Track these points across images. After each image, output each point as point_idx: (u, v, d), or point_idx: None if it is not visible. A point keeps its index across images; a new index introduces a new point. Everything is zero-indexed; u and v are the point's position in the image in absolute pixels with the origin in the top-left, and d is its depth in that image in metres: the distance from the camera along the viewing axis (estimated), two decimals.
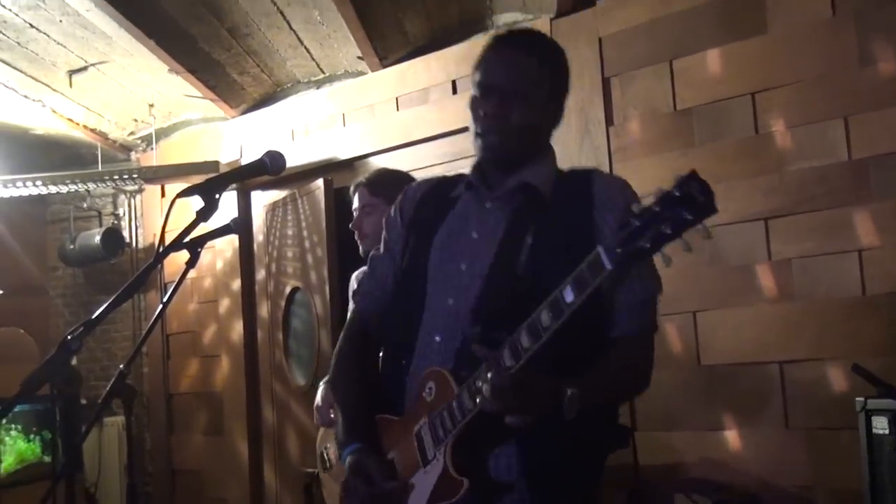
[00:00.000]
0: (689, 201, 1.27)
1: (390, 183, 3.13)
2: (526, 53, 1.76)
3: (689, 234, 1.30)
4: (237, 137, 5.28)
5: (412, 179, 3.19)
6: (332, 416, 3.10)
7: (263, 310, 5.14)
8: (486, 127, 1.75)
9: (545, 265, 1.63)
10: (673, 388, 3.39)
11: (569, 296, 1.45)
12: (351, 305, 3.29)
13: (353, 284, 3.40)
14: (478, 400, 1.55)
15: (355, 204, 3.15)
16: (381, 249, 1.98)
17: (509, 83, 1.73)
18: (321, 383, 3.28)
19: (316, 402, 3.19)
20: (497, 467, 1.65)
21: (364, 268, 3.42)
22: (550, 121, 1.83)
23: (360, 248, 3.20)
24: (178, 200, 1.62)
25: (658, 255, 1.33)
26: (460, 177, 1.93)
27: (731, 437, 3.31)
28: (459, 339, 1.68)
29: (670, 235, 1.30)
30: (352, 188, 3.21)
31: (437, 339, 1.72)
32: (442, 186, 1.94)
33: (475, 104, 1.77)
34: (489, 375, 1.49)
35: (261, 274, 5.19)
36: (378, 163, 4.59)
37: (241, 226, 5.16)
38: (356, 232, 3.15)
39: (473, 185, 1.85)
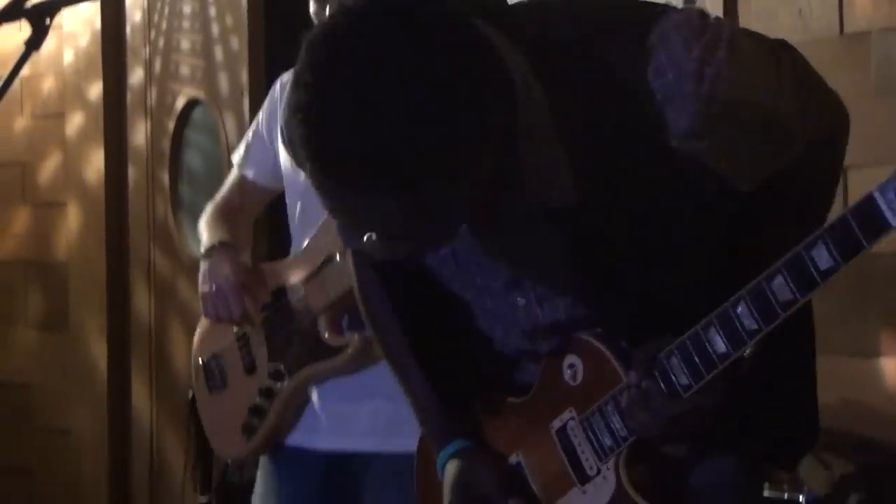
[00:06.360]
0: None
1: None
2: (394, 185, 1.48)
3: None
4: None
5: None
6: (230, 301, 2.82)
7: (139, 134, 5.13)
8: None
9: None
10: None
11: (824, 260, 1.47)
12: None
13: (275, 92, 3.13)
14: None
15: None
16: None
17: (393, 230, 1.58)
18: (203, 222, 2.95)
19: (202, 272, 2.81)
20: None
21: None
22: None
23: None
24: None
25: None
26: None
27: (891, 367, 3.28)
28: (562, 313, 1.78)
29: None
30: None
31: (520, 300, 1.80)
32: None
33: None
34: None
35: (136, 75, 5.16)
36: None
37: None
38: None
39: None
